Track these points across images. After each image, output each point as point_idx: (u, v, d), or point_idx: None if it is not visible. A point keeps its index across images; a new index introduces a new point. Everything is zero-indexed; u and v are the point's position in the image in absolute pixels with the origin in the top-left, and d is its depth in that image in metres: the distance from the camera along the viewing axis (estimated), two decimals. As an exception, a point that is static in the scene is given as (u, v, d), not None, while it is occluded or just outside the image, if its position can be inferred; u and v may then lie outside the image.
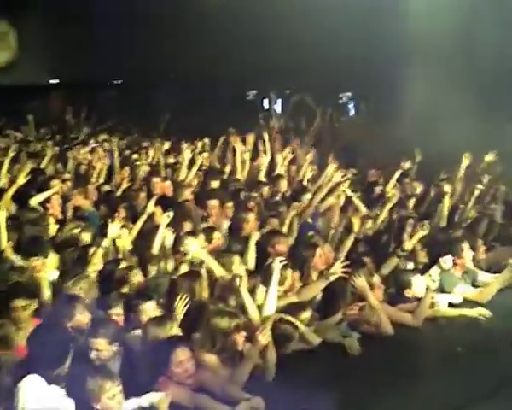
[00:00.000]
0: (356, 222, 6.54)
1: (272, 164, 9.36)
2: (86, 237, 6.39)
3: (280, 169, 9.18)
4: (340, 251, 6.41)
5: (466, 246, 6.41)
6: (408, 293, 5.84)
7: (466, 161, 8.68)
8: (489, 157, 8.96)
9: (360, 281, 5.38)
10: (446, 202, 7.61)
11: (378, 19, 11.97)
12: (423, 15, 11.22)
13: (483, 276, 6.55)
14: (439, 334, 5.56)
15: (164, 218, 6.18)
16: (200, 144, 10.88)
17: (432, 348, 5.37)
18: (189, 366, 4.30)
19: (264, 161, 9.16)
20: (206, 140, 11.17)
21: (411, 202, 8.02)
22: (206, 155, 9.79)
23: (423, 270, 6.33)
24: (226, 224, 7.36)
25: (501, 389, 4.63)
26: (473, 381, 4.76)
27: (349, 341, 5.13)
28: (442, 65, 10.86)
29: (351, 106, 14.64)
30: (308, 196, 7.62)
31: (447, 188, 7.78)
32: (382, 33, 11.85)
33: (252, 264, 6.04)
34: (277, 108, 14.27)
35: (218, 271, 5.56)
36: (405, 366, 4.93)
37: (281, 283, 5.41)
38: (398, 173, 8.62)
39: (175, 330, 4.63)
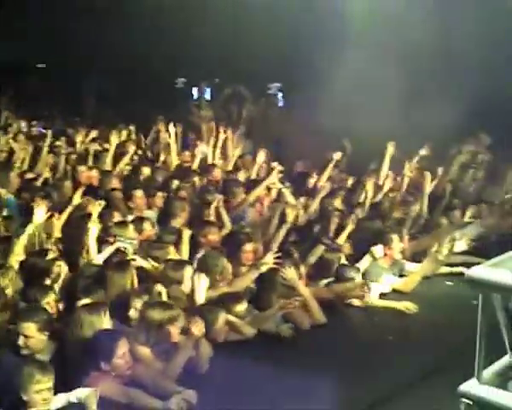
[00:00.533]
0: (290, 213, 6.54)
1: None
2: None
3: (212, 158, 9.07)
4: (272, 242, 6.40)
5: (395, 237, 6.51)
6: None
7: (390, 150, 8.80)
8: (423, 151, 9.13)
9: (289, 272, 5.40)
10: (369, 195, 7.69)
11: (307, 10, 12.06)
12: (353, 6, 11.45)
13: (409, 266, 6.68)
14: (370, 322, 5.63)
15: (95, 207, 6.00)
16: (125, 132, 10.61)
17: (364, 336, 5.43)
18: (128, 358, 4.21)
19: (199, 150, 9.04)
20: (132, 127, 10.94)
21: (341, 194, 8.07)
22: (132, 143, 9.49)
23: (350, 261, 6.41)
24: (154, 214, 7.21)
25: (426, 377, 4.69)
26: (401, 369, 4.83)
27: (282, 328, 5.17)
28: (372, 55, 11.04)
29: (279, 96, 14.64)
30: (240, 189, 7.53)
31: (369, 183, 7.84)
32: (312, 24, 11.95)
33: (186, 255, 5.96)
34: (207, 96, 14.11)
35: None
36: (338, 355, 4.99)
37: (218, 272, 5.44)
38: (331, 165, 8.63)
39: (107, 319, 4.50)
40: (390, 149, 8.83)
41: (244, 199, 7.42)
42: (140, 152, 9.94)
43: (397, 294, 6.19)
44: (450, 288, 6.44)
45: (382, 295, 6.11)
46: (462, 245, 6.98)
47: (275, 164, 8.04)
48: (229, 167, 9.10)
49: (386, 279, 6.29)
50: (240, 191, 7.43)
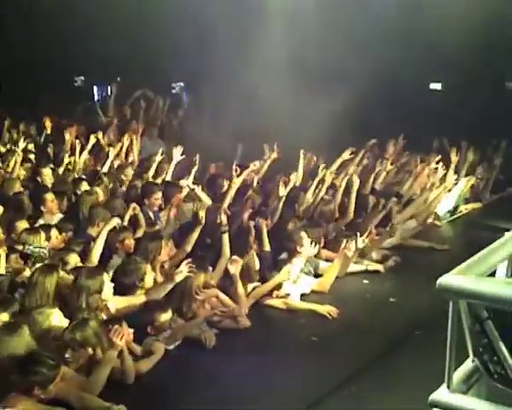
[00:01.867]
0: (201, 214, 6.41)
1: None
2: None
3: (121, 158, 8.76)
4: (186, 243, 6.26)
5: (304, 236, 6.53)
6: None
7: (302, 158, 8.90)
8: (346, 154, 9.27)
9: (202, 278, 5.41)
10: (281, 202, 7.63)
11: (214, 9, 12.00)
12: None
13: (323, 264, 6.75)
14: (295, 324, 5.63)
15: None
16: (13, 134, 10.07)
17: (289, 338, 5.43)
18: None
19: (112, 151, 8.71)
20: (22, 127, 10.40)
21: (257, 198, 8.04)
22: (22, 144, 8.91)
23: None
24: (57, 218, 6.87)
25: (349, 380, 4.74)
26: (326, 371, 4.86)
27: (205, 335, 5.08)
28: (279, 59, 11.16)
29: (184, 96, 14.45)
30: (158, 190, 7.31)
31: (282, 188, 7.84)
32: (218, 23, 11.90)
33: (95, 259, 5.68)
34: (108, 95, 13.64)
35: None
36: (263, 358, 4.96)
37: (138, 279, 5.31)
38: (250, 168, 8.54)
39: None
40: (302, 157, 8.91)
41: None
42: (34, 151, 9.38)
43: (317, 294, 6.22)
44: (366, 286, 6.59)
45: (304, 296, 6.13)
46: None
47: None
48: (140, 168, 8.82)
49: (303, 280, 6.31)
50: (157, 194, 7.21)
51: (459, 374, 2.27)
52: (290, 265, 6.10)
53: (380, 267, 6.84)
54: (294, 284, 6.15)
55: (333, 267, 6.51)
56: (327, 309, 5.76)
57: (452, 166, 9.10)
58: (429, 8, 11.26)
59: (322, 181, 8.24)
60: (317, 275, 6.61)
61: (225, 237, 6.26)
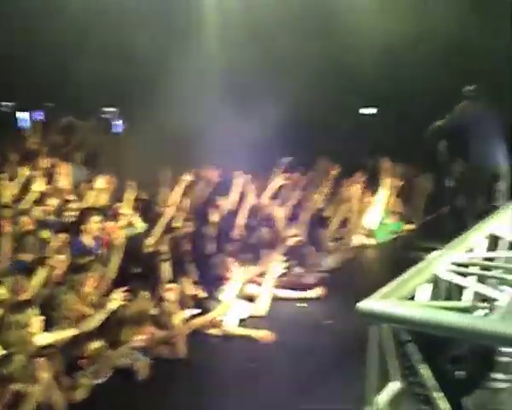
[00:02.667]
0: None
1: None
2: None
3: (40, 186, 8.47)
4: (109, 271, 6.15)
5: (236, 262, 6.52)
6: None
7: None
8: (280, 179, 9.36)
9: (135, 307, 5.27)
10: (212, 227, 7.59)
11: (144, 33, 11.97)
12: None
13: (251, 288, 6.74)
14: (232, 351, 5.58)
15: None
16: None
17: (227, 365, 5.37)
18: None
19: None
20: None
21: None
22: None
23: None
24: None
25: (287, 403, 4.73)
26: (265, 397, 4.83)
27: (138, 364, 4.95)
28: (211, 80, 11.25)
29: (115, 122, 14.30)
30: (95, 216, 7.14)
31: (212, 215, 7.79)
32: (148, 46, 11.89)
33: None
34: (35, 122, 13.30)
35: None
36: (201, 386, 4.89)
37: (64, 310, 5.16)
38: (181, 188, 8.47)
39: None
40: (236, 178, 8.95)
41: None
42: None
43: (255, 319, 6.20)
44: (303, 309, 6.61)
45: (241, 322, 6.10)
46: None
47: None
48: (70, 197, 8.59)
49: (239, 306, 6.28)
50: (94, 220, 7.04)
51: (383, 397, 2.28)
52: (228, 295, 6.10)
53: (318, 294, 6.85)
54: (231, 311, 6.11)
55: (265, 290, 6.50)
56: (263, 334, 5.74)
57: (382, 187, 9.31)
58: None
59: (255, 206, 8.29)
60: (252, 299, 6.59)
61: (165, 265, 6.22)
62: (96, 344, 4.88)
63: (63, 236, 6.44)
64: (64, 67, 12.47)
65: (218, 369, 5.25)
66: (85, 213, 7.05)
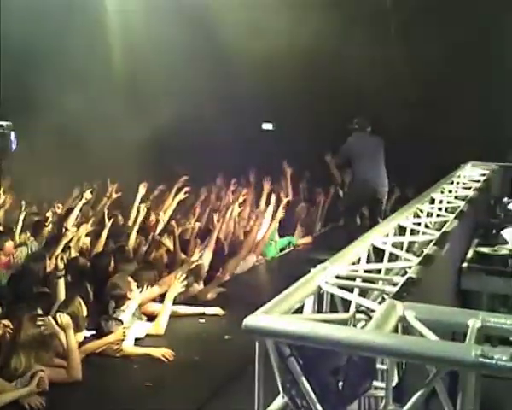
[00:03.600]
0: None
1: None
2: None
3: None
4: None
5: (132, 281, 6.44)
6: None
7: (142, 191, 8.92)
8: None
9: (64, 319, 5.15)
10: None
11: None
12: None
13: (150, 307, 6.67)
14: (129, 370, 5.48)
15: None
16: None
17: (122, 385, 5.27)
18: None
19: None
20: None
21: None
22: None
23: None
24: None
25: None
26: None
27: (31, 399, 4.74)
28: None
29: (12, 136, 13.78)
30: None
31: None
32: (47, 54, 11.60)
33: None
34: None
35: None
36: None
37: None
38: (78, 208, 8.27)
39: None
40: (142, 189, 8.93)
41: None
42: None
43: (153, 337, 6.12)
44: (203, 325, 6.60)
45: (138, 341, 6.00)
46: None
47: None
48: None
49: (136, 325, 6.18)
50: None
51: (270, 411, 2.32)
52: (126, 315, 5.99)
53: (218, 311, 6.84)
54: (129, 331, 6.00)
55: (165, 309, 6.43)
56: (162, 352, 5.68)
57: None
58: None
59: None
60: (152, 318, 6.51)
61: (61, 282, 6.05)
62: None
63: None
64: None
65: (114, 390, 5.13)
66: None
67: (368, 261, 3.17)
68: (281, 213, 9.05)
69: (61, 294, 6.04)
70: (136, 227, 8.14)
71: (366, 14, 11.38)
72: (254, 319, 2.19)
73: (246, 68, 11.50)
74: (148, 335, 6.20)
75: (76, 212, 8.12)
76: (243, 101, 12.16)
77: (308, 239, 9.90)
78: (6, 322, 5.16)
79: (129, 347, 5.79)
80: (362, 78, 10.94)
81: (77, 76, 11.54)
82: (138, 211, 8.45)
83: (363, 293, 2.79)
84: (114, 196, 9.36)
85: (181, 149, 11.88)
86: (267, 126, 13.82)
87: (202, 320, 6.69)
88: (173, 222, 8.11)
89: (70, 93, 11.11)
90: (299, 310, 2.56)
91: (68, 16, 12.02)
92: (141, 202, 8.81)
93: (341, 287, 2.67)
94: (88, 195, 8.50)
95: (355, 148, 8.69)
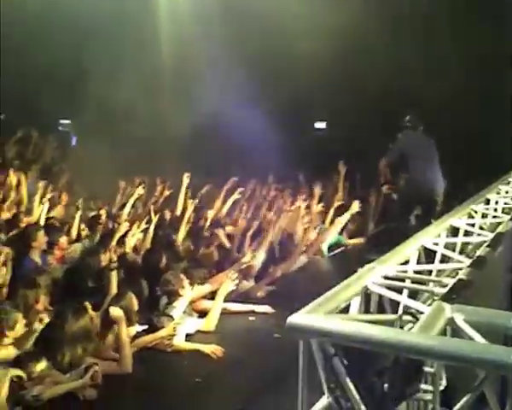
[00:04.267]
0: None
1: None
2: None
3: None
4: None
5: (184, 278, 6.51)
6: None
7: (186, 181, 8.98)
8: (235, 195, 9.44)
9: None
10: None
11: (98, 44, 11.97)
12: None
13: (203, 303, 6.72)
14: (179, 365, 5.54)
15: None
16: None
17: (172, 380, 5.33)
18: None
19: None
20: None
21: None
22: None
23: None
24: None
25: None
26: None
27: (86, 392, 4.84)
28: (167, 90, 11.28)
29: (70, 134, 14.17)
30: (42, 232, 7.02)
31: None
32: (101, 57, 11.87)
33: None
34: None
35: None
36: (146, 403, 4.83)
37: (11, 328, 4.99)
38: (130, 203, 8.44)
39: None
40: (185, 179, 9.02)
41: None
42: None
43: (203, 333, 6.18)
44: (252, 323, 6.62)
45: (188, 336, 6.06)
46: None
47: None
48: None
49: (187, 321, 6.25)
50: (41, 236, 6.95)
51: (314, 411, 2.31)
52: (177, 312, 6.07)
53: (268, 309, 6.86)
54: (180, 325, 6.06)
55: (216, 305, 6.48)
56: (211, 349, 5.72)
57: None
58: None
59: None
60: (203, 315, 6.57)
61: (114, 276, 6.15)
62: (41, 365, 4.74)
63: (6, 249, 6.33)
64: (20, 79, 12.35)
65: (163, 384, 5.20)
66: (32, 229, 6.95)
67: (418, 262, 3.11)
68: (344, 219, 9.10)
69: (114, 288, 6.15)
70: (185, 224, 8.20)
71: (418, 13, 11.19)
72: (299, 318, 2.19)
73: (298, 67, 11.47)
74: (198, 331, 6.25)
75: (128, 207, 8.26)
76: (296, 99, 12.13)
77: (359, 239, 9.80)
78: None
79: (180, 342, 5.85)
80: (416, 77, 10.76)
81: (127, 73, 11.75)
82: (186, 207, 8.52)
83: (413, 294, 2.74)
84: (166, 192, 9.48)
85: (232, 147, 11.92)
86: (320, 125, 13.73)
87: (252, 318, 6.71)
88: (226, 220, 8.19)
89: (122, 89, 11.32)
90: (345, 310, 2.54)
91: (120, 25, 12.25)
92: (189, 198, 8.87)
93: (389, 288, 2.63)
94: (140, 190, 8.63)
95: (408, 146, 8.40)
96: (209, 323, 6.32)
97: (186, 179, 9.11)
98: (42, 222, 7.90)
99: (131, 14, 12.20)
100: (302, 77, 11.54)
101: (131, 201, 8.47)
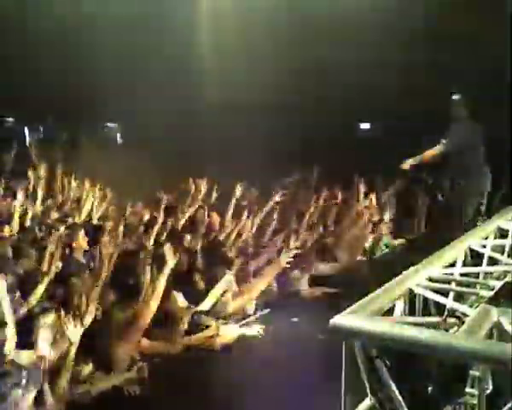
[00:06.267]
0: None
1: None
2: None
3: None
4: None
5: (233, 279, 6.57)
6: None
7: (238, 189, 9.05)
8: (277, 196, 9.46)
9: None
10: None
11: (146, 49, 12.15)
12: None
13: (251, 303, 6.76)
14: (224, 363, 5.59)
15: None
16: None
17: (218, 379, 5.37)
18: None
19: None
20: None
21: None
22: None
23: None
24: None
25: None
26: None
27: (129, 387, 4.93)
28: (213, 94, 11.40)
29: (117, 135, 14.44)
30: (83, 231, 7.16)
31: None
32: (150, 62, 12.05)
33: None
34: (39, 135, 13.45)
35: None
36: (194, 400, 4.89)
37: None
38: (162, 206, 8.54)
39: None
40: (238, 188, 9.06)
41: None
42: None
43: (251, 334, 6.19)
44: (296, 324, 6.60)
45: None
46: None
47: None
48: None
49: (237, 320, 6.28)
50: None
51: (357, 414, 2.29)
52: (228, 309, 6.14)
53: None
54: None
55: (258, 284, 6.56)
56: (255, 330, 5.76)
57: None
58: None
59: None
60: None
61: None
62: (87, 368, 4.82)
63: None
64: (65, 82, 12.62)
65: (208, 383, 5.24)
66: (75, 228, 7.11)
67: (464, 264, 3.06)
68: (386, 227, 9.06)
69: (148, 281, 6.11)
70: (234, 227, 8.24)
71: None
72: (341, 319, 2.18)
73: (342, 68, 11.41)
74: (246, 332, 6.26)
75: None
76: (339, 100, 12.05)
77: (404, 240, 9.69)
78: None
79: (226, 332, 5.87)
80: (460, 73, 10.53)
81: (170, 75, 11.89)
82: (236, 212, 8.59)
83: (459, 297, 2.70)
84: (215, 195, 9.55)
85: (277, 148, 11.92)
86: (365, 126, 13.62)
87: (295, 319, 6.69)
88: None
89: (168, 94, 11.47)
90: (389, 312, 2.52)
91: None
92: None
93: (434, 290, 2.60)
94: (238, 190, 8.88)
95: (456, 139, 7.76)
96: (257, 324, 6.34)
97: (239, 188, 9.13)
98: (94, 221, 8.11)
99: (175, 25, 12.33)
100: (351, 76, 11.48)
101: (233, 201, 8.66)
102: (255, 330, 5.74)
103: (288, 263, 6.81)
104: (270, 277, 6.85)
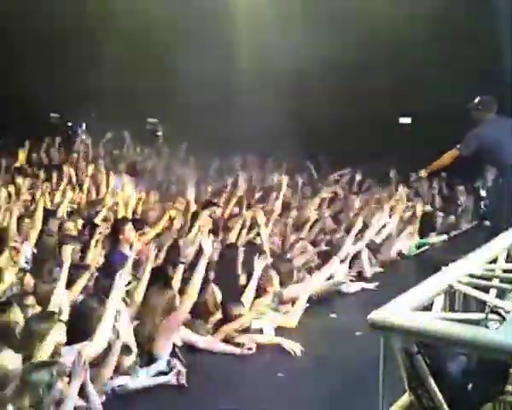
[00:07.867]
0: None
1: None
2: None
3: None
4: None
5: (275, 275, 6.57)
6: None
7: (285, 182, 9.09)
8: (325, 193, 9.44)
9: None
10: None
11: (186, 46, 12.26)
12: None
13: (291, 290, 6.71)
14: (261, 361, 5.60)
15: None
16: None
17: (255, 375, 5.39)
18: None
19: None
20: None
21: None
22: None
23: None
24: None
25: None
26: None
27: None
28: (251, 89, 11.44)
29: (159, 132, 14.58)
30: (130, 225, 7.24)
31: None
32: (189, 59, 12.15)
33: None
34: (83, 132, 13.70)
35: None
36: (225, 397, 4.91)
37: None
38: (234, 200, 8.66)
39: None
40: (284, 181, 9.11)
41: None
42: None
43: (284, 329, 6.19)
44: (334, 320, 6.59)
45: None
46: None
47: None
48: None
49: (269, 316, 6.27)
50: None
51: (395, 409, 2.29)
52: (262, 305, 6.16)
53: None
54: (259, 320, 6.12)
55: (300, 303, 6.48)
56: (292, 346, 5.72)
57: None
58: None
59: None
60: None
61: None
62: (130, 358, 4.90)
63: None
64: (110, 79, 12.81)
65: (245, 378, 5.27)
66: (120, 223, 7.21)
67: (506, 261, 3.01)
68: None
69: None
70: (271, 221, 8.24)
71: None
72: (381, 314, 2.18)
73: (382, 61, 11.32)
74: (280, 327, 6.27)
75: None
76: (379, 94, 11.93)
77: (445, 237, 9.57)
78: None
79: (260, 336, 5.88)
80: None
81: (209, 75, 11.95)
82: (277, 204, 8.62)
83: (500, 293, 2.66)
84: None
85: (317, 144, 11.88)
86: (405, 120, 13.41)
87: (333, 315, 6.68)
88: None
89: (208, 90, 11.55)
90: (429, 308, 2.50)
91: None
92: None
93: (475, 286, 2.57)
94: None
95: (489, 134, 7.32)
96: (291, 319, 6.33)
97: (285, 183, 9.20)
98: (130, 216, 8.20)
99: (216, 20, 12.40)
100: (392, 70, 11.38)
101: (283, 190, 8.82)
102: (293, 345, 5.72)
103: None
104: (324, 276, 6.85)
